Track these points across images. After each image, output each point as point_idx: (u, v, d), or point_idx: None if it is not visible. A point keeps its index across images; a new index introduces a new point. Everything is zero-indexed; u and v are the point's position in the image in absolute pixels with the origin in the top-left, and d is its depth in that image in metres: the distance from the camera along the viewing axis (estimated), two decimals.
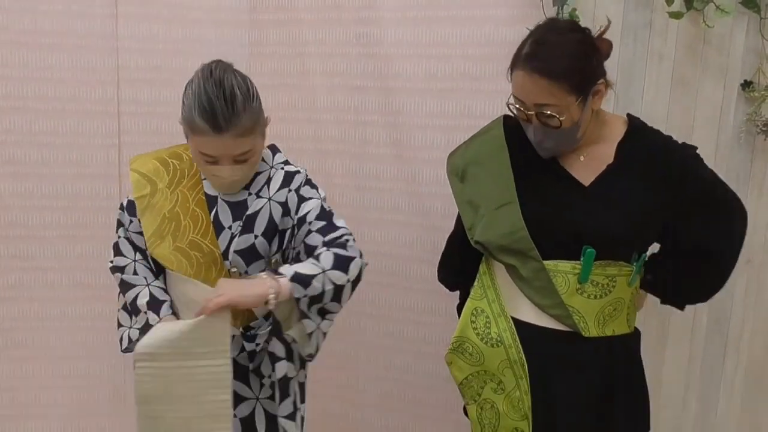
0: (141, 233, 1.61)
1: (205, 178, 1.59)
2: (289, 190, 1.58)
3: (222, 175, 1.49)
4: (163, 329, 1.43)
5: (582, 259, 1.49)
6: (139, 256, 1.64)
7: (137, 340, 1.51)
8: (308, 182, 1.62)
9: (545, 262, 1.51)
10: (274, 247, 1.58)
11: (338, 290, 1.46)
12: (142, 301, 1.59)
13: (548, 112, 1.43)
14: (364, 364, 2.31)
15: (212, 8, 2.21)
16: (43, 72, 2.16)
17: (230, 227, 1.56)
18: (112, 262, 1.67)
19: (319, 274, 1.43)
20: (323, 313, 1.49)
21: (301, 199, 1.57)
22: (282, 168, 1.62)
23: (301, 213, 1.55)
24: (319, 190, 1.61)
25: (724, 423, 2.14)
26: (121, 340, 1.66)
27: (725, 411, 2.14)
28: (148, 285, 1.61)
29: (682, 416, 2.16)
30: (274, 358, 1.57)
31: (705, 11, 1.88)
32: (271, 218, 1.56)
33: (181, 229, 1.55)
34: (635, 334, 1.63)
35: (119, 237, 1.66)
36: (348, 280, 1.47)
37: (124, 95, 2.20)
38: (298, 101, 2.25)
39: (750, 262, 2.02)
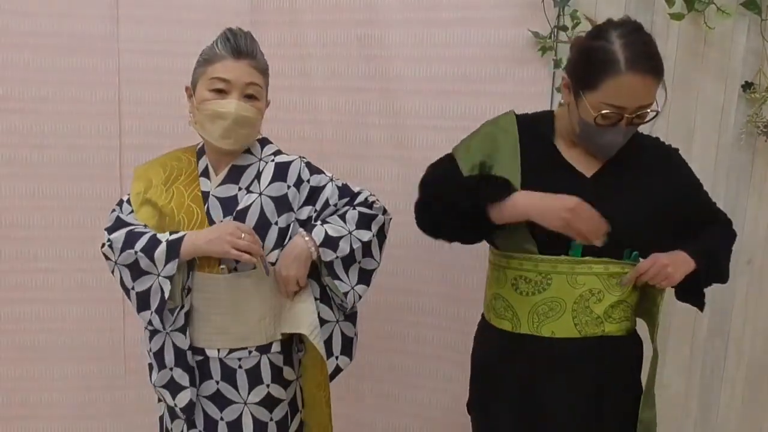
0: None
1: (201, 175, 1.59)
2: (288, 186, 1.58)
3: (229, 108, 1.50)
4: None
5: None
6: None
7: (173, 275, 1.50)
8: (312, 170, 1.62)
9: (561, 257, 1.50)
10: (270, 243, 1.56)
11: (366, 246, 1.60)
12: (164, 235, 1.51)
13: (647, 111, 1.43)
14: (364, 365, 2.31)
15: (213, 10, 2.21)
16: (43, 74, 2.16)
17: (221, 221, 1.55)
18: (108, 240, 1.57)
19: (346, 235, 1.57)
20: (363, 275, 1.62)
21: (316, 190, 1.61)
22: (272, 160, 1.60)
23: (321, 201, 1.61)
24: (325, 172, 1.64)
25: (725, 424, 2.14)
26: (162, 296, 1.50)
27: (726, 412, 2.14)
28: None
29: (683, 417, 2.16)
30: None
31: (706, 13, 1.88)
32: (262, 213, 1.55)
33: (175, 224, 1.55)
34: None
35: (116, 215, 1.61)
36: (373, 235, 1.61)
37: (125, 96, 2.20)
38: (299, 103, 2.24)
39: (751, 263, 2.03)
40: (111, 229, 1.60)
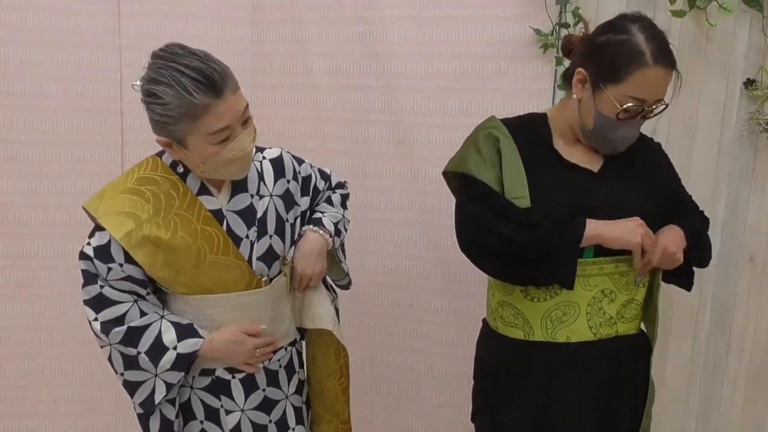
0: (126, 278, 1.42)
1: (199, 194, 1.45)
2: (288, 181, 1.57)
3: (243, 144, 1.38)
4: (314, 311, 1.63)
5: None
6: (136, 296, 1.45)
7: (177, 382, 1.46)
8: (298, 161, 1.62)
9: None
10: (288, 242, 1.55)
11: (347, 223, 1.72)
12: (170, 336, 1.43)
13: (662, 103, 1.45)
14: (367, 362, 2.31)
15: (215, 6, 2.21)
16: (45, 70, 2.15)
17: (247, 236, 1.48)
18: (96, 320, 1.42)
19: (341, 219, 1.67)
20: (343, 249, 1.73)
21: (307, 180, 1.64)
22: (264, 158, 1.57)
23: (312, 189, 1.65)
24: (304, 159, 1.65)
25: (727, 421, 2.14)
26: (151, 394, 1.46)
27: (728, 408, 2.14)
28: (162, 317, 1.46)
29: (685, 414, 2.16)
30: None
31: (708, 10, 1.88)
32: (278, 214, 1.54)
33: (193, 254, 1.42)
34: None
35: (100, 287, 1.42)
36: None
37: (126, 93, 2.20)
38: (300, 100, 2.25)
39: (753, 260, 2.03)
40: (95, 306, 1.43)
